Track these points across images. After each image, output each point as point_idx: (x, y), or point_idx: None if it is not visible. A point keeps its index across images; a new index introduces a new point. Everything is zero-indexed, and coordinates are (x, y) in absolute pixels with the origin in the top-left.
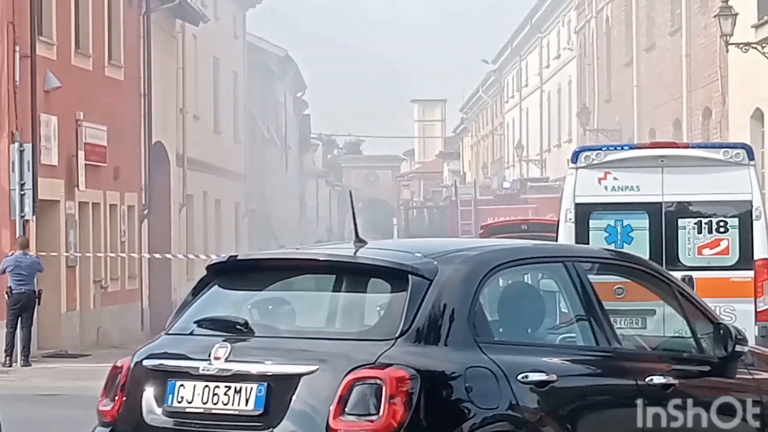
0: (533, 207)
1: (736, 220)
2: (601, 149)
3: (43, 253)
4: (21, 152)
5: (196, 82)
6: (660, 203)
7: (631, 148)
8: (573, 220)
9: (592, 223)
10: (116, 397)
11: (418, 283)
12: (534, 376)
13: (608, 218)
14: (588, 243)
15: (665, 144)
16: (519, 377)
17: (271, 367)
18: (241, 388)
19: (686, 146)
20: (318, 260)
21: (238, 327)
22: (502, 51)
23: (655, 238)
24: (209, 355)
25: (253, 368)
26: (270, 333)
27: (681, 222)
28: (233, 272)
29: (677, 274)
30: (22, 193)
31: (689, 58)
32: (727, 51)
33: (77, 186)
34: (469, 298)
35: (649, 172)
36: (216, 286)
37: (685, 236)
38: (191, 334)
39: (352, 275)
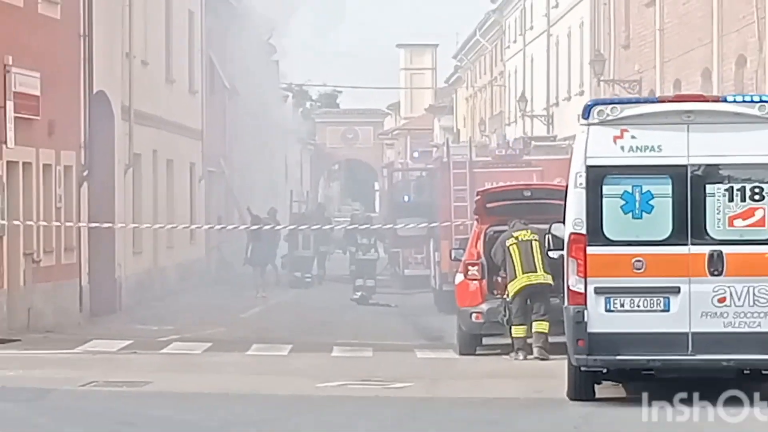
0: (538, 170)
1: None
2: (617, 103)
3: None
4: None
5: (144, 22)
6: (685, 166)
7: (653, 101)
8: (584, 185)
9: (606, 189)
10: None
11: None
12: None
13: (625, 183)
14: (601, 212)
15: (692, 97)
16: None
17: None
18: None
19: (716, 100)
20: None
21: None
22: None
23: (679, 206)
24: None
25: None
26: None
27: (709, 188)
28: None
29: (704, 249)
30: None
31: None
32: None
33: (5, 143)
34: None
35: (673, 129)
36: None
37: (714, 205)
38: None
39: None
